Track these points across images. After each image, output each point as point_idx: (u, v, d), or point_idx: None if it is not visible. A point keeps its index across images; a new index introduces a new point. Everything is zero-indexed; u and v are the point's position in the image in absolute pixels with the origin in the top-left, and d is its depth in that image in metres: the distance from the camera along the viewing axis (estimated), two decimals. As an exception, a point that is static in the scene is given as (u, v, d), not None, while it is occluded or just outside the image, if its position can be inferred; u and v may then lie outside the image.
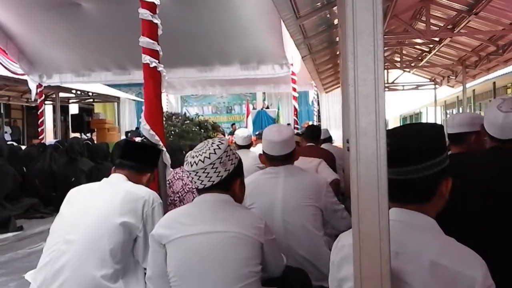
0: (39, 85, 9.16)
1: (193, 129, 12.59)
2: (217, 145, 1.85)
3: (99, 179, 2.40)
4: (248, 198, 2.53)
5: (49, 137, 11.21)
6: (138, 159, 2.43)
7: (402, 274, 1.14)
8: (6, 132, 15.02)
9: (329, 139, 5.89)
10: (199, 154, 1.82)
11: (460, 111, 17.95)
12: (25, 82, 9.37)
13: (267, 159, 2.69)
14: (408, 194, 1.24)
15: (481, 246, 1.24)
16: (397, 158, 1.17)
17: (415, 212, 1.23)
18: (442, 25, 8.84)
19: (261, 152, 2.75)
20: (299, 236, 2.51)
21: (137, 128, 16.20)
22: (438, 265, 1.12)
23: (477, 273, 1.10)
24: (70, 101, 15.74)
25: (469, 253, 1.16)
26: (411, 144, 1.22)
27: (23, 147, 9.67)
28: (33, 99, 9.44)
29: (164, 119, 3.55)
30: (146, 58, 3.04)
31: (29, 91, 9.51)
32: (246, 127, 14.72)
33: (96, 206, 2.18)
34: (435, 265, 1.12)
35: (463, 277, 1.10)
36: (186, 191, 3.30)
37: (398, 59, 13.74)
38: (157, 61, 3.07)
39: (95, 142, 10.56)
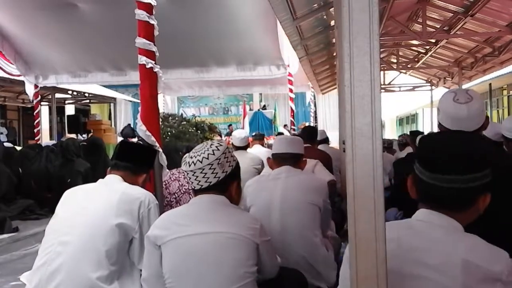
0: (35, 86, 9.13)
1: (190, 130, 12.59)
2: (216, 147, 1.86)
3: (95, 180, 2.39)
4: (248, 199, 2.61)
5: (45, 138, 11.17)
6: (133, 160, 2.42)
7: (430, 270, 1.16)
8: (1, 133, 14.98)
9: (325, 140, 5.89)
10: (198, 155, 1.83)
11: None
12: (20, 83, 9.33)
13: (275, 159, 2.79)
14: (445, 201, 1.24)
15: None
16: (453, 165, 1.20)
17: (444, 215, 1.24)
18: (438, 26, 8.88)
19: (267, 156, 2.86)
20: (297, 235, 2.53)
21: (129, 125, 16.25)
22: (469, 262, 1.14)
23: (502, 268, 1.13)
24: (66, 102, 15.69)
25: (496, 249, 1.19)
26: (472, 153, 1.23)
27: (19, 148, 9.62)
28: (31, 100, 9.41)
29: (160, 120, 3.55)
30: (142, 59, 3.03)
31: (25, 92, 9.48)
32: (243, 128, 14.73)
33: (92, 207, 2.17)
34: (467, 262, 1.14)
35: (491, 274, 1.13)
36: (182, 192, 3.29)
37: (395, 61, 13.81)
38: (153, 62, 3.06)
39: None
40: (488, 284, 1.12)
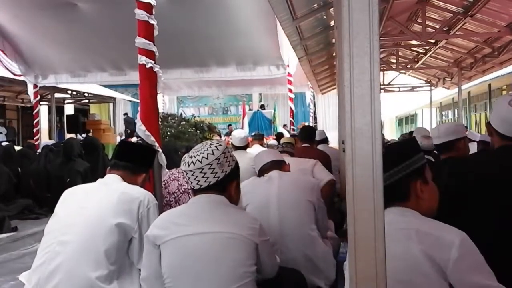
0: (35, 86, 9.13)
1: (189, 130, 12.57)
2: (216, 147, 1.86)
3: (94, 180, 2.39)
4: (244, 198, 2.63)
5: (44, 138, 11.17)
6: (133, 160, 2.42)
7: (392, 248, 1.30)
8: (1, 133, 14.97)
9: (325, 140, 5.89)
10: (197, 155, 1.83)
11: (456, 112, 18.04)
12: (20, 82, 9.34)
13: (260, 173, 2.87)
14: (389, 197, 1.39)
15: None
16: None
17: (397, 207, 1.46)
18: (438, 27, 8.88)
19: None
20: (295, 231, 2.58)
21: (125, 114, 16.30)
22: (421, 231, 1.33)
23: (455, 238, 1.28)
24: (66, 101, 15.69)
25: (449, 226, 1.35)
26: (387, 152, 1.42)
27: (18, 148, 9.61)
28: (32, 101, 9.42)
29: (160, 120, 3.55)
30: (142, 59, 3.03)
31: (25, 91, 9.49)
32: (242, 128, 14.73)
33: (91, 206, 2.17)
34: (419, 232, 1.33)
35: (443, 241, 1.29)
36: (181, 192, 3.29)
37: (394, 61, 13.81)
38: (153, 61, 3.06)
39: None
40: (445, 251, 1.27)
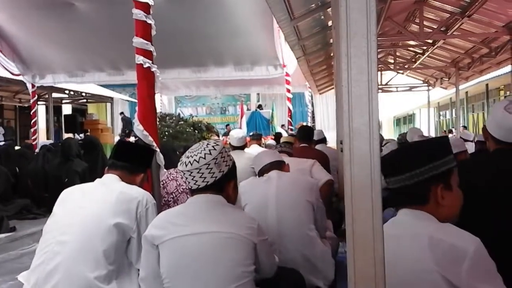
0: (32, 85, 9.12)
1: (187, 130, 12.56)
2: (213, 146, 1.86)
3: (92, 180, 2.39)
4: (243, 197, 2.65)
5: (42, 138, 11.14)
6: (130, 160, 2.42)
7: (404, 252, 1.29)
8: (-1, 133, 14.93)
9: (323, 140, 5.89)
10: (194, 155, 1.83)
11: (453, 112, 18.08)
12: (17, 82, 9.31)
13: (260, 174, 2.88)
14: (403, 199, 1.41)
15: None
16: (390, 169, 1.39)
17: (412, 209, 1.38)
18: (435, 27, 8.90)
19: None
20: (294, 231, 2.58)
21: (122, 113, 16.30)
22: (434, 238, 1.25)
23: (469, 247, 1.21)
24: (63, 101, 15.66)
25: (464, 232, 1.27)
26: (398, 157, 1.43)
27: (17, 148, 9.59)
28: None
29: (158, 119, 3.55)
30: (140, 59, 3.02)
31: (23, 91, 9.48)
32: (240, 128, 14.72)
33: (89, 206, 2.17)
34: (432, 238, 1.25)
35: (456, 249, 1.22)
36: (180, 192, 3.29)
37: (392, 61, 13.83)
38: (150, 61, 3.06)
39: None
40: (457, 263, 1.19)
